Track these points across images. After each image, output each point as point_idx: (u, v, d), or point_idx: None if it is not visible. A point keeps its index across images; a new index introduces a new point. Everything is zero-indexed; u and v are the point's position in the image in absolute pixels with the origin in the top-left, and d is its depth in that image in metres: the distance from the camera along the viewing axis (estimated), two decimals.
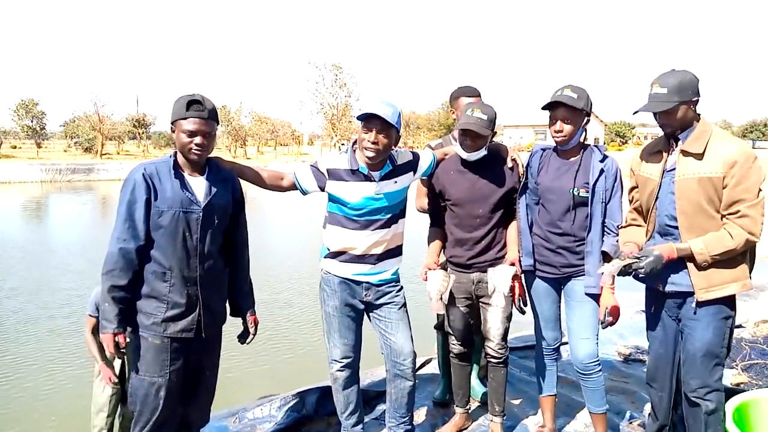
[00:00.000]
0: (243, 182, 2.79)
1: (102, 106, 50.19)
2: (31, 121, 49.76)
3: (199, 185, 2.48)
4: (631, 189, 2.75)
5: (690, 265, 2.43)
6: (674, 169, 2.48)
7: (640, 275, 2.45)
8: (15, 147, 53.12)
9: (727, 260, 2.39)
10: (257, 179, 2.86)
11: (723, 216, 2.39)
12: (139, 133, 57.58)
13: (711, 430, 2.50)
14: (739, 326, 4.96)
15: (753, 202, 2.33)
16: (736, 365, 4.14)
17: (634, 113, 2.59)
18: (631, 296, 4.78)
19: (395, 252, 2.94)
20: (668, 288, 2.53)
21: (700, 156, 2.39)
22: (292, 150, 68.49)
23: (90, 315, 3.06)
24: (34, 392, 5.65)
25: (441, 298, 2.83)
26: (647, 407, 3.46)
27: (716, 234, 2.38)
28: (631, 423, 3.39)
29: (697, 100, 2.44)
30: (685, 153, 2.44)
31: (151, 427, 2.42)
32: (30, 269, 10.93)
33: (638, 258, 2.43)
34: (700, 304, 2.43)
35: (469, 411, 3.35)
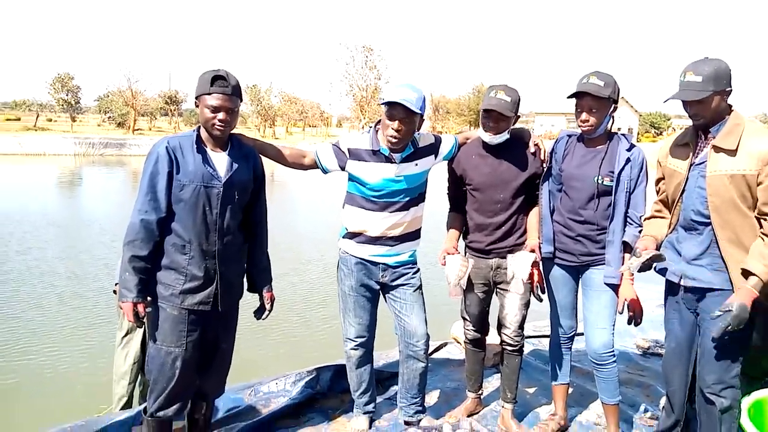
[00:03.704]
0: (267, 161, 2.81)
1: (135, 82, 51.05)
2: (67, 95, 50.72)
3: (220, 161, 2.50)
4: (658, 180, 2.69)
5: (731, 264, 2.35)
6: (703, 163, 2.40)
7: (729, 328, 2.24)
8: (50, 120, 54.33)
9: None
10: (279, 156, 2.88)
11: (760, 215, 2.30)
12: (170, 110, 58.33)
13: (725, 428, 2.46)
14: None
15: None
16: None
17: (665, 101, 2.51)
18: (653, 289, 4.70)
19: (413, 235, 2.94)
20: (689, 282, 2.49)
21: (733, 152, 2.31)
22: (321, 131, 68.62)
23: (117, 284, 3.14)
24: (58, 362, 5.83)
25: (459, 284, 2.81)
26: (662, 401, 3.42)
27: (761, 247, 2.26)
28: (645, 416, 3.36)
29: (730, 91, 2.35)
30: (716, 148, 2.35)
31: (166, 396, 2.47)
32: (64, 241, 11.25)
33: (659, 254, 2.38)
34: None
35: (481, 396, 3.36)
